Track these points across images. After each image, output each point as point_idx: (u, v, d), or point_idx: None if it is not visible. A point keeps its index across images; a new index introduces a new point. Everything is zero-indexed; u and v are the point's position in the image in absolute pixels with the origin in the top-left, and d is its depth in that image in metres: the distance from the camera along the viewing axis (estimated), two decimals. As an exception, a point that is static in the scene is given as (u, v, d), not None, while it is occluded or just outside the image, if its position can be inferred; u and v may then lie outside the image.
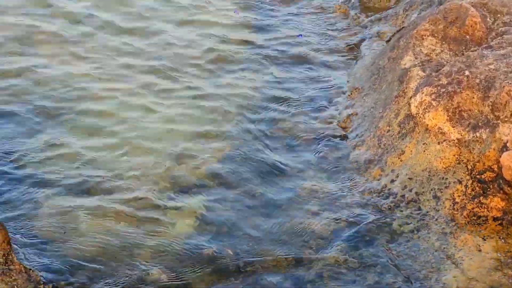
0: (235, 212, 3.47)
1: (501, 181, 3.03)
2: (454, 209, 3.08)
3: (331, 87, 4.19)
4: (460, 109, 3.25)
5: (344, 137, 3.88)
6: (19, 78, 4.79)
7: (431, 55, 3.66)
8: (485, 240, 3.02)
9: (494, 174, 3.07)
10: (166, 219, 3.42)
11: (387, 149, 3.59)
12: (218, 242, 3.23)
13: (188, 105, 4.50)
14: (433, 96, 3.33)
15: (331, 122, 3.90)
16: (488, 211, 3.01)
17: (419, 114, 3.39)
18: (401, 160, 3.46)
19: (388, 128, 3.66)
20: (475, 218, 3.04)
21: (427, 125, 3.32)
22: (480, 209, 3.04)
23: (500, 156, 3.00)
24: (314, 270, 3.03)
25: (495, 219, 3.01)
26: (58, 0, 6.99)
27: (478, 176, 3.13)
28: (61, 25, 6.26)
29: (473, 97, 3.23)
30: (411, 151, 3.45)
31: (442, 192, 3.23)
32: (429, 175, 3.35)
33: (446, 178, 3.26)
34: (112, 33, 5.67)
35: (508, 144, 3.03)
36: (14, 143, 4.05)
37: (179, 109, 4.44)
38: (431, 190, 3.27)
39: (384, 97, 3.91)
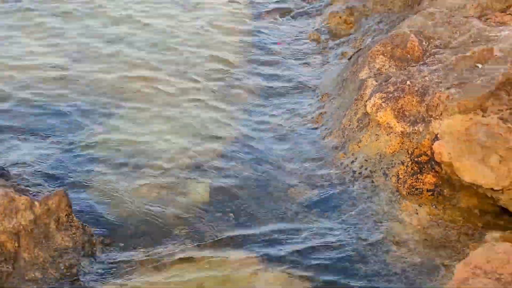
0: (237, 185, 3.78)
1: (433, 163, 3.43)
2: (398, 183, 3.51)
3: (307, 93, 4.45)
4: (403, 109, 3.64)
5: (316, 129, 4.22)
6: (76, 83, 4.93)
7: (382, 69, 3.97)
8: (420, 206, 3.40)
9: (428, 158, 3.48)
10: (187, 189, 3.78)
11: (348, 138, 3.93)
12: (223, 207, 3.57)
13: (203, 107, 4.69)
14: (383, 100, 3.72)
15: (307, 119, 4.18)
16: (423, 184, 3.44)
17: (373, 113, 3.76)
18: (359, 147, 3.81)
19: (349, 123, 4.02)
20: (413, 190, 3.47)
21: (379, 121, 3.73)
22: (417, 183, 3.46)
23: (433, 145, 3.39)
24: (295, 221, 3.42)
25: (428, 190, 3.44)
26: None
27: (416, 159, 3.53)
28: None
29: (413, 101, 3.61)
30: (367, 140, 3.80)
31: (389, 170, 3.63)
32: (380, 158, 3.70)
33: (392, 160, 3.66)
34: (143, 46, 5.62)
35: (438, 136, 3.39)
36: (73, 132, 4.29)
37: (196, 112, 4.61)
38: (381, 168, 3.66)
39: (347, 100, 4.24)
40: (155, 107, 4.83)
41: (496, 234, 3.10)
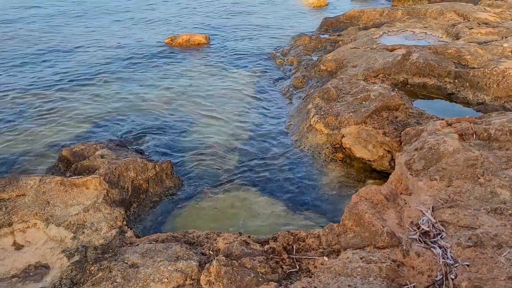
0: (244, 155, 3.86)
1: (342, 148, 3.75)
2: (325, 156, 3.82)
3: (283, 116, 4.57)
4: (328, 123, 3.90)
5: (287, 133, 4.36)
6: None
7: (318, 104, 4.19)
8: (336, 167, 3.69)
9: (339, 145, 3.78)
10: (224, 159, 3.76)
11: (302, 136, 4.14)
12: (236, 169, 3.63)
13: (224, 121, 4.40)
14: (318, 118, 4.00)
15: (282, 127, 4.36)
16: (337, 157, 3.77)
17: (314, 124, 4.02)
18: (307, 140, 4.03)
19: (303, 129, 4.22)
20: (332, 160, 3.78)
21: (316, 128, 3.99)
22: (334, 157, 3.79)
23: (342, 139, 3.74)
24: (274, 173, 3.56)
25: (339, 160, 3.75)
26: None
27: (334, 146, 3.83)
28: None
29: (332, 119, 3.89)
30: (311, 137, 4.05)
31: (321, 151, 3.89)
32: (317, 145, 3.95)
33: (323, 146, 3.90)
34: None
35: (344, 135, 3.75)
36: (140, 124, 4.10)
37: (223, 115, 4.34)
38: (317, 150, 3.90)
39: (301, 118, 4.40)
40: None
41: (371, 181, 3.40)
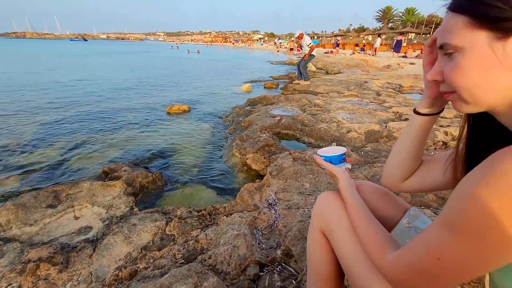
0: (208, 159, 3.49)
1: (246, 164, 3.23)
2: (238, 169, 3.25)
3: (221, 149, 3.99)
4: (240, 152, 3.49)
5: (222, 157, 3.78)
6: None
7: (237, 143, 3.71)
8: (243, 174, 3.15)
9: (245, 163, 3.26)
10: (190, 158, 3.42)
11: (228, 159, 3.63)
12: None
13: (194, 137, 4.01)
14: (236, 150, 3.54)
15: (219, 154, 3.82)
16: (243, 169, 3.20)
17: (234, 153, 3.53)
18: (231, 160, 3.51)
19: (229, 155, 3.66)
20: (241, 170, 3.20)
21: (235, 155, 3.49)
22: (242, 169, 3.20)
23: (246, 160, 3.24)
24: (206, 175, 3.20)
25: (245, 171, 3.20)
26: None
27: (242, 163, 3.31)
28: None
29: (243, 150, 3.50)
30: (232, 159, 3.50)
31: (237, 166, 3.45)
32: (235, 163, 3.48)
33: (237, 164, 3.49)
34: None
35: (247, 158, 3.21)
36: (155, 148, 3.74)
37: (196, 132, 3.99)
38: (235, 166, 3.42)
39: (229, 150, 3.80)
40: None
41: (258, 180, 2.92)
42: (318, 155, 0.80)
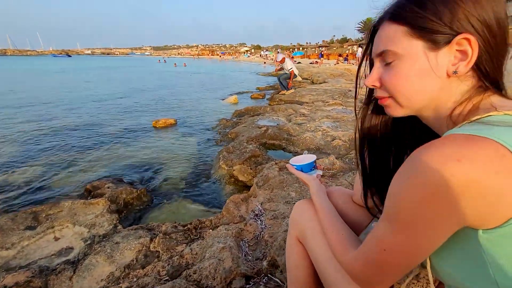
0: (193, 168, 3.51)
1: (234, 176, 3.18)
2: (225, 181, 3.17)
3: (208, 161, 3.97)
4: (227, 163, 3.42)
5: (210, 170, 3.71)
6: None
7: (224, 155, 3.66)
8: (230, 185, 3.09)
9: (232, 175, 3.22)
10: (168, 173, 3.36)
11: (216, 171, 3.59)
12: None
13: (179, 151, 3.97)
14: (223, 162, 3.50)
15: (207, 167, 3.77)
16: (231, 181, 3.19)
17: (221, 165, 3.46)
18: (218, 172, 3.48)
19: (216, 167, 3.60)
20: (229, 182, 3.16)
21: (222, 167, 3.43)
22: (230, 180, 3.16)
23: (233, 171, 3.16)
24: (193, 188, 3.13)
25: (232, 182, 3.12)
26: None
27: (229, 175, 3.21)
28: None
29: (229, 162, 3.42)
30: (220, 171, 3.49)
31: (224, 177, 3.31)
32: (222, 175, 3.37)
33: (225, 175, 3.34)
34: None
35: (234, 170, 3.19)
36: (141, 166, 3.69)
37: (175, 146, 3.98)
38: (223, 177, 3.39)
39: (216, 162, 3.78)
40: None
41: (246, 190, 2.92)
42: (290, 164, 0.83)
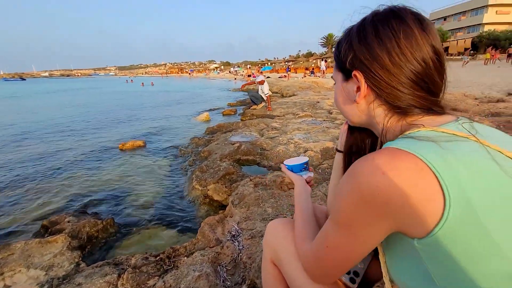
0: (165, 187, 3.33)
1: (208, 196, 3.15)
2: (200, 201, 3.11)
3: (180, 183, 3.88)
4: (201, 183, 3.39)
5: (182, 191, 3.65)
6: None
7: (197, 175, 3.61)
8: (205, 206, 3.06)
9: (207, 195, 3.17)
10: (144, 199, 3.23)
11: (189, 192, 3.50)
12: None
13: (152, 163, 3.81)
14: (196, 182, 3.46)
15: (179, 188, 3.64)
16: (206, 201, 3.11)
17: (194, 185, 3.42)
18: (192, 193, 3.40)
19: (190, 188, 3.54)
20: (203, 203, 3.10)
21: (195, 187, 3.39)
22: (204, 201, 3.11)
23: (207, 191, 3.17)
24: (165, 213, 3.04)
25: (207, 203, 3.06)
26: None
27: (204, 195, 3.18)
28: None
29: (203, 182, 3.39)
30: (193, 192, 3.40)
31: (198, 198, 3.28)
32: (196, 195, 3.35)
33: (199, 196, 3.29)
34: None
35: (209, 189, 3.18)
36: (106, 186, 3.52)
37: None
38: (197, 198, 3.31)
39: (190, 183, 3.71)
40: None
41: (221, 210, 2.89)
42: (284, 164, 0.91)
